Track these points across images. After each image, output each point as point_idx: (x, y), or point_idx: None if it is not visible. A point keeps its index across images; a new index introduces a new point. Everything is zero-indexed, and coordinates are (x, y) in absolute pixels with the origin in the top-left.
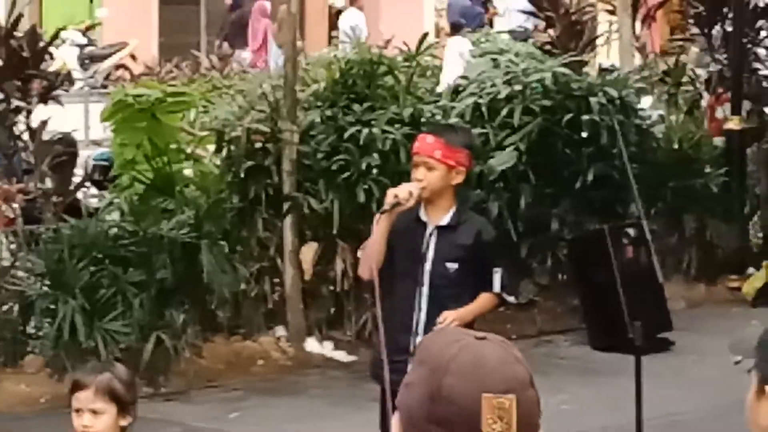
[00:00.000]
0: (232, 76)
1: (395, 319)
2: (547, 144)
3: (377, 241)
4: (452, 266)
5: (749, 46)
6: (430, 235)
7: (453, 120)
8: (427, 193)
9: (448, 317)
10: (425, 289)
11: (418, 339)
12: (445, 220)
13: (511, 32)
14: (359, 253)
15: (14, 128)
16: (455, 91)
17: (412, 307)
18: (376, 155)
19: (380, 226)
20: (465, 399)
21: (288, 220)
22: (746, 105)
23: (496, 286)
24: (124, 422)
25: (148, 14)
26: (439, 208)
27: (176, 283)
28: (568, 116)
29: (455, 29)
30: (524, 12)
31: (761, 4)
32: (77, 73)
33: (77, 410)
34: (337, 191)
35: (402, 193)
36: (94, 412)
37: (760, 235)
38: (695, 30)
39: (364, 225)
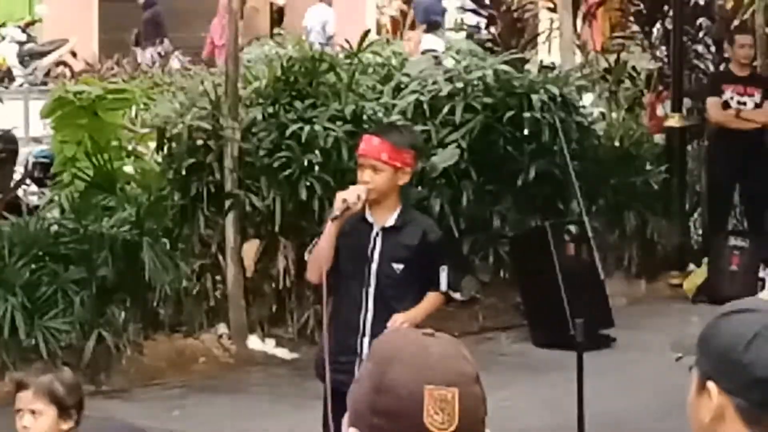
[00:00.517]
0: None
1: (341, 320)
2: (488, 141)
3: (326, 246)
4: (398, 267)
5: (689, 43)
6: (377, 235)
7: (395, 117)
8: (374, 194)
9: (398, 319)
10: (371, 290)
11: (366, 339)
12: (390, 221)
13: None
14: (306, 256)
15: None
16: (397, 89)
17: (358, 308)
18: (317, 152)
19: (330, 232)
20: (408, 390)
21: (230, 218)
22: (687, 102)
23: (443, 284)
24: (65, 426)
25: (88, 11)
26: (384, 208)
27: (117, 281)
28: (510, 113)
29: (432, 27)
30: (466, 9)
31: (701, 2)
32: (17, 70)
33: (18, 410)
34: (279, 188)
35: (351, 197)
36: (33, 412)
37: (701, 231)
38: (635, 27)
39: (306, 222)
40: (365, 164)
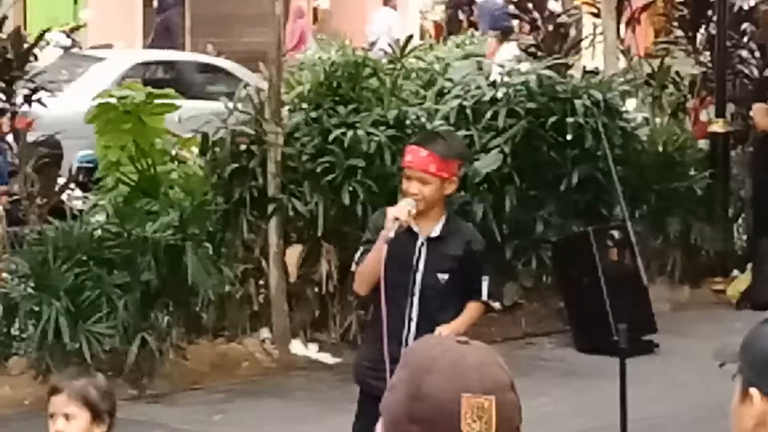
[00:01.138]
0: None
1: (386, 329)
2: (531, 146)
3: (377, 263)
4: (443, 277)
5: (733, 48)
6: (422, 245)
7: (437, 122)
8: (422, 206)
9: (443, 332)
10: (416, 300)
11: None
12: (435, 231)
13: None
14: (353, 267)
15: None
16: (440, 94)
17: (402, 318)
18: (360, 157)
19: (382, 249)
20: (445, 398)
21: (273, 222)
22: (730, 108)
23: (485, 294)
24: (97, 430)
25: (132, 16)
26: (429, 218)
27: (161, 285)
28: (553, 119)
29: (506, 35)
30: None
31: (745, 7)
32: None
33: (51, 415)
34: (322, 193)
35: (402, 215)
36: (67, 416)
37: (745, 237)
38: (679, 33)
39: (349, 227)
40: (413, 176)
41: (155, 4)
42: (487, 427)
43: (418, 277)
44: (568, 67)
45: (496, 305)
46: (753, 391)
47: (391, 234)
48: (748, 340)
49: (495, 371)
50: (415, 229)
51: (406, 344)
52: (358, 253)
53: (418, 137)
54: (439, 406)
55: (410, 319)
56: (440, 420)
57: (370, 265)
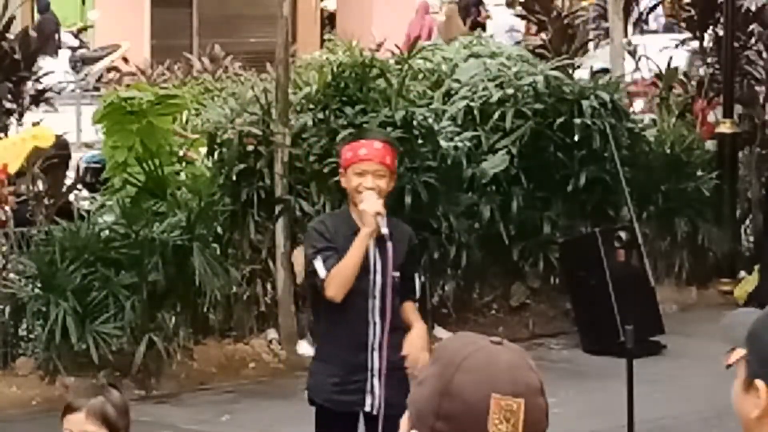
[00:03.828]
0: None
1: (347, 338)
2: (538, 147)
3: (359, 263)
4: (395, 275)
5: (741, 49)
6: (375, 245)
7: (445, 123)
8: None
9: (414, 350)
10: (377, 302)
11: (376, 354)
12: (384, 229)
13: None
14: (323, 275)
15: (6, 130)
16: (447, 95)
17: (366, 322)
18: None
19: (363, 247)
20: (474, 397)
21: (280, 223)
22: (738, 108)
23: (418, 292)
24: None
25: (140, 17)
26: None
27: (168, 286)
28: (560, 120)
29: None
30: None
31: (753, 8)
32: (69, 76)
33: None
34: (329, 194)
35: (380, 208)
36: None
37: (752, 238)
38: (687, 33)
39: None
40: (368, 170)
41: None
42: (514, 429)
43: (378, 278)
44: (576, 67)
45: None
46: (759, 383)
47: (385, 229)
48: (755, 331)
49: (526, 374)
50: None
51: (373, 350)
52: (320, 261)
53: (360, 134)
54: (467, 405)
55: (374, 323)
56: (467, 418)
57: (350, 266)
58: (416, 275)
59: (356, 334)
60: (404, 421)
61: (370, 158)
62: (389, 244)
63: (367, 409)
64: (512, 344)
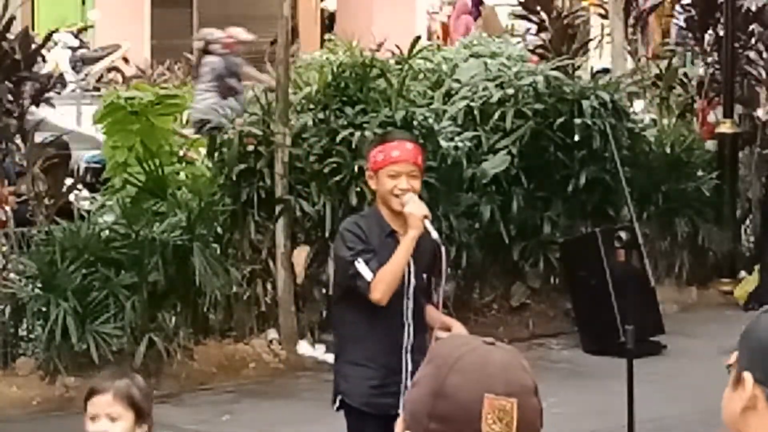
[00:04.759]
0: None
1: (385, 340)
2: (539, 147)
3: (404, 266)
4: (425, 276)
5: (741, 49)
6: None
7: (445, 123)
8: None
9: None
10: (411, 304)
11: (409, 357)
12: (434, 233)
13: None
14: (369, 278)
15: (6, 130)
16: (447, 95)
17: (401, 325)
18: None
19: (410, 250)
20: (468, 397)
21: (280, 223)
22: (738, 108)
23: (440, 296)
24: (139, 431)
25: (140, 17)
26: (404, 218)
27: (168, 286)
28: (560, 120)
29: None
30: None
31: (753, 8)
32: (69, 76)
33: (93, 417)
34: (329, 194)
35: (427, 211)
36: (112, 417)
37: (752, 238)
38: (687, 34)
39: None
40: (402, 171)
41: None
42: (507, 429)
43: (412, 280)
44: (576, 68)
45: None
46: (746, 374)
47: (435, 234)
48: (747, 328)
49: (520, 374)
50: (399, 231)
51: (407, 352)
52: (363, 264)
53: (387, 136)
54: (461, 405)
55: (408, 324)
56: (461, 419)
57: (398, 270)
58: (433, 278)
59: (393, 336)
60: (399, 423)
61: (404, 159)
62: (443, 249)
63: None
64: (505, 345)
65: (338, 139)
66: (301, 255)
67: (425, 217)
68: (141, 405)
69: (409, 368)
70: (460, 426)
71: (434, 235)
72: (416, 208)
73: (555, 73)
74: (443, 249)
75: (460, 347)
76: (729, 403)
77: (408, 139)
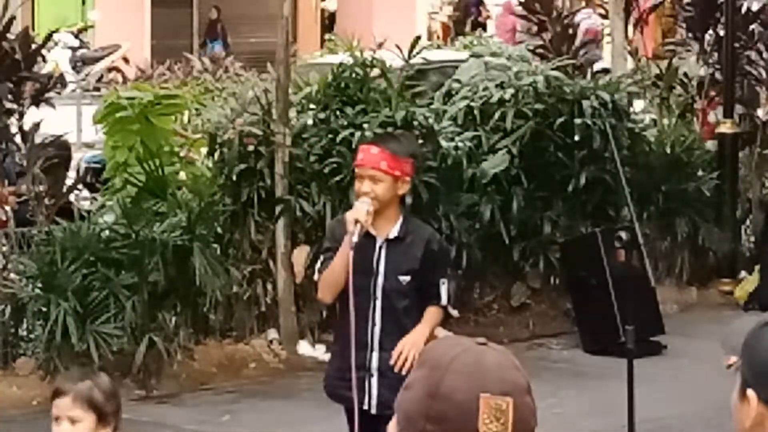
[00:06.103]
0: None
1: (353, 336)
2: (539, 147)
3: (344, 270)
4: (404, 279)
5: (741, 49)
6: (380, 248)
7: (445, 123)
8: (375, 205)
9: (405, 348)
10: (379, 303)
11: (375, 354)
12: (393, 232)
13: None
14: (316, 276)
15: (7, 131)
16: (447, 95)
17: (367, 322)
18: None
19: (347, 254)
20: (463, 398)
21: (280, 223)
22: (738, 109)
23: (443, 298)
24: None
25: (140, 17)
26: (385, 219)
27: (168, 286)
28: (560, 120)
29: None
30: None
31: (753, 8)
32: (70, 76)
33: (56, 418)
34: (330, 194)
35: (361, 216)
36: (72, 420)
37: (752, 238)
38: (688, 34)
39: None
40: (364, 174)
41: None
42: (503, 428)
43: (380, 280)
44: (576, 68)
45: (455, 312)
46: (750, 393)
47: (355, 238)
48: (749, 341)
49: (513, 373)
50: (372, 232)
51: (372, 349)
52: (319, 262)
53: (372, 138)
54: (457, 406)
55: (374, 324)
56: (457, 419)
57: (336, 271)
58: (441, 281)
59: (359, 333)
60: (392, 426)
61: (362, 163)
62: (394, 247)
63: (365, 407)
64: (497, 345)
65: (338, 139)
66: (301, 255)
67: (356, 222)
68: (102, 407)
69: (374, 365)
70: (457, 426)
71: (355, 238)
72: (351, 212)
73: (555, 73)
74: (437, 249)
75: (453, 348)
76: (737, 414)
77: (378, 143)
